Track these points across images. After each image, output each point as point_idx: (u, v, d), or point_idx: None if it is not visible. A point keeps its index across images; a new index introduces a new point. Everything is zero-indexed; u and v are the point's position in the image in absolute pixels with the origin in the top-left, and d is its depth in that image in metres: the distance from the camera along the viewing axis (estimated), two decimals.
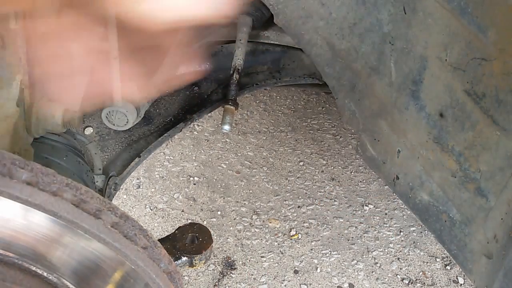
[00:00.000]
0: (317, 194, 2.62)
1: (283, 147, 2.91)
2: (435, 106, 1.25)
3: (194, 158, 2.77)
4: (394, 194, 2.21)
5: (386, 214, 2.53)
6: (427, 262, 2.30)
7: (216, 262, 2.24)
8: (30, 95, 0.93)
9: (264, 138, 2.97)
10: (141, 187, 2.57)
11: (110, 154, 1.52)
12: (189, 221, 2.39)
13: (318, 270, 2.23)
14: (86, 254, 0.76)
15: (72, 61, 1.00)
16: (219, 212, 2.47)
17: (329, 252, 2.31)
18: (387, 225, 2.47)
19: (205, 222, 2.42)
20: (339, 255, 2.30)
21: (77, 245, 0.75)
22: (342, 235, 2.41)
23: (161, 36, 0.88)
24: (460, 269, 2.14)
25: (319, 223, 2.46)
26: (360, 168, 2.80)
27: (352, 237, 2.40)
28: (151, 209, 2.46)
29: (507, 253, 1.09)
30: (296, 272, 2.22)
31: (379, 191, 2.66)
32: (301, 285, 2.17)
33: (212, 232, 1.34)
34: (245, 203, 2.54)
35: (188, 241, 1.19)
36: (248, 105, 3.21)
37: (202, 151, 2.82)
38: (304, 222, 2.45)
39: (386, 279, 2.21)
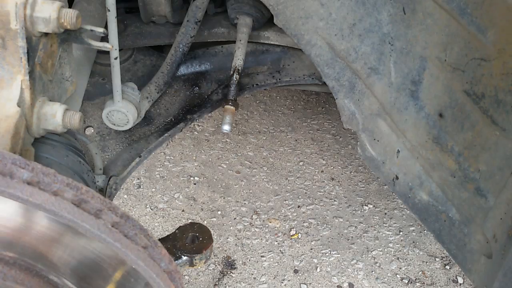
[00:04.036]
0: (317, 194, 2.62)
1: (283, 147, 2.91)
2: (435, 106, 1.25)
3: (194, 158, 2.78)
4: (394, 194, 2.21)
5: (385, 214, 2.53)
6: (426, 262, 2.30)
7: (216, 262, 2.24)
8: (31, 95, 0.93)
9: (264, 138, 2.97)
10: (141, 187, 2.58)
11: (110, 154, 1.53)
12: (190, 220, 2.39)
13: (318, 269, 2.24)
14: (87, 254, 0.76)
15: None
16: (219, 212, 2.48)
17: (329, 252, 2.32)
18: (387, 225, 2.47)
19: (205, 222, 2.42)
20: (339, 255, 2.30)
21: (78, 245, 0.75)
22: (342, 234, 2.41)
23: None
24: (460, 269, 2.15)
25: (319, 222, 2.46)
26: (360, 168, 2.80)
27: (352, 237, 2.40)
28: (152, 209, 2.46)
29: (506, 253, 1.09)
30: (296, 271, 2.22)
31: (379, 191, 2.66)
32: (301, 284, 2.17)
33: (212, 232, 1.35)
34: (245, 203, 2.54)
35: (189, 241, 1.20)
36: (248, 105, 3.21)
37: (203, 151, 2.83)
38: (304, 222, 2.46)
39: (386, 279, 2.21)
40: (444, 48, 1.17)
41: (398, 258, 2.31)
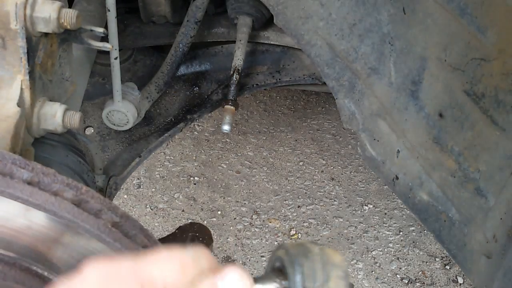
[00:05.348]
0: (317, 194, 2.62)
1: (283, 147, 2.91)
2: (435, 106, 1.25)
3: (194, 158, 2.78)
4: (394, 194, 2.21)
5: (385, 214, 2.53)
6: (426, 262, 2.30)
7: None
8: (31, 96, 0.93)
9: (264, 138, 2.97)
10: (141, 187, 2.58)
11: (110, 154, 1.53)
12: (190, 220, 2.39)
13: None
14: (87, 254, 0.76)
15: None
16: (219, 212, 2.48)
17: None
18: (387, 225, 2.47)
19: (205, 222, 2.42)
20: None
21: (78, 245, 0.75)
22: (342, 234, 2.41)
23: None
24: (460, 269, 2.15)
25: (319, 222, 2.46)
26: (360, 168, 2.80)
27: (352, 237, 2.40)
28: (152, 209, 2.46)
29: (506, 253, 1.09)
30: None
31: (379, 191, 2.66)
32: None
33: (212, 232, 1.35)
34: (245, 203, 2.54)
35: (189, 241, 1.19)
36: (248, 105, 3.21)
37: (202, 151, 2.83)
38: (304, 222, 2.46)
39: (386, 279, 2.21)
40: (444, 48, 1.17)
41: (398, 258, 2.31)
